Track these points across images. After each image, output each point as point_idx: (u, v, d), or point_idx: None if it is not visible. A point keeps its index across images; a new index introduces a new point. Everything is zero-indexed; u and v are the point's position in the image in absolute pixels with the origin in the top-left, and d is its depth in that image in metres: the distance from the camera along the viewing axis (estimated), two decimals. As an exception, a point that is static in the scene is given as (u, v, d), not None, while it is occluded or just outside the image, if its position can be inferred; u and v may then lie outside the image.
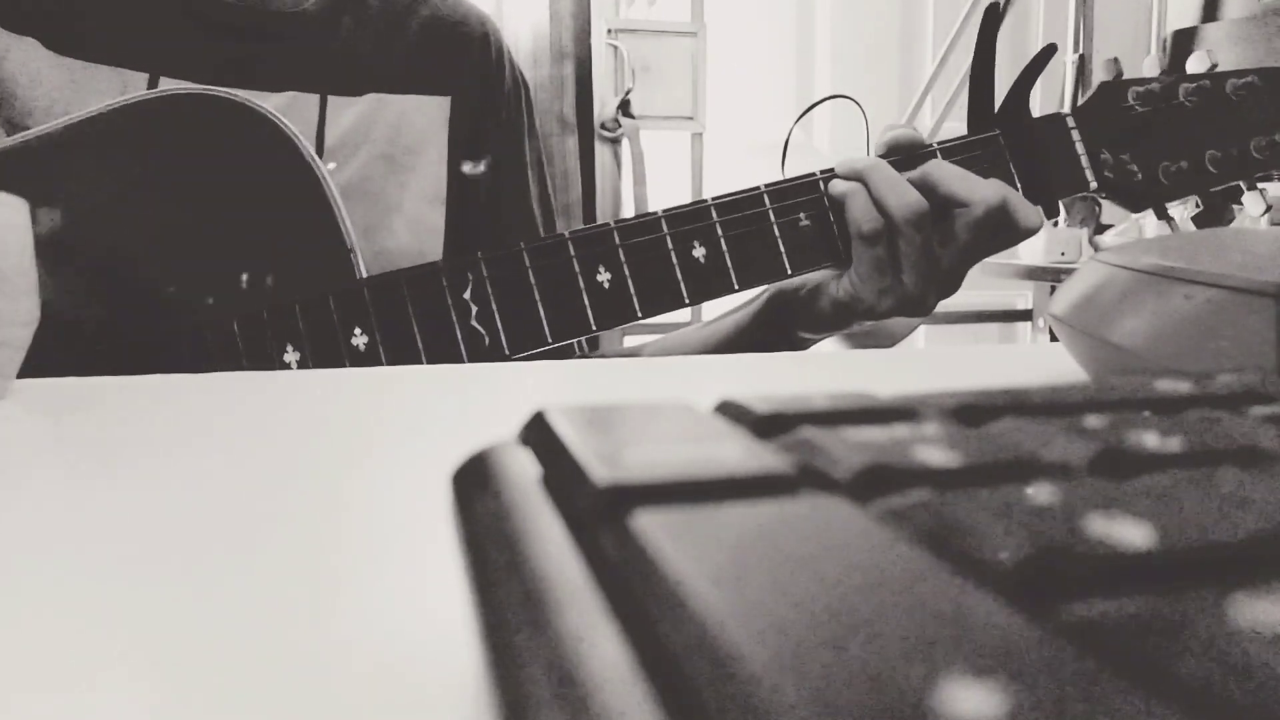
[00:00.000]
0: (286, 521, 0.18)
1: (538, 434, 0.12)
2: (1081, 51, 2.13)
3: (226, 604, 0.14)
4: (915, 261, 0.52)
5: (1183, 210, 0.59)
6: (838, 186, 0.53)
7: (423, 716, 0.11)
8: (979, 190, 0.51)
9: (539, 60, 1.64)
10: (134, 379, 0.34)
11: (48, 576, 0.15)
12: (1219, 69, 0.57)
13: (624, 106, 1.68)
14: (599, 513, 0.09)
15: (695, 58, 1.73)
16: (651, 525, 0.09)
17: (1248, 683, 0.06)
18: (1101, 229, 1.80)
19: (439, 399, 0.31)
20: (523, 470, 0.12)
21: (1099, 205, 1.84)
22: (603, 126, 1.69)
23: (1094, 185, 0.56)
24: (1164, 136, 0.56)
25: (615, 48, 1.68)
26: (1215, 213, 0.58)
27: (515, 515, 0.10)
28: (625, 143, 1.70)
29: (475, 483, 0.12)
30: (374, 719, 0.11)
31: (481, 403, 0.31)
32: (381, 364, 0.50)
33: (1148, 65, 0.59)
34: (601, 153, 1.70)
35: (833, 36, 2.43)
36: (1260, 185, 0.57)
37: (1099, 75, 0.58)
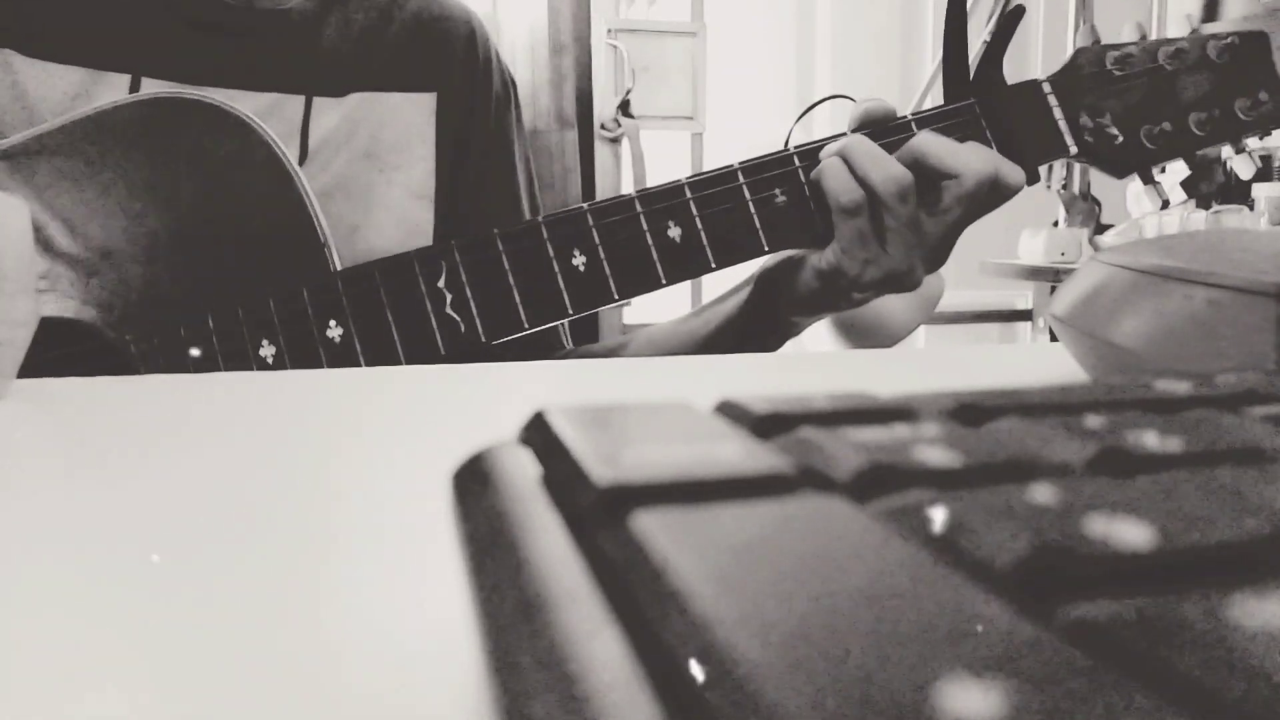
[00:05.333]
0: (286, 521, 0.18)
1: (538, 434, 0.12)
2: (1081, 51, 2.13)
3: (226, 603, 0.14)
4: (900, 233, 0.52)
5: (1169, 176, 0.58)
6: (822, 161, 0.53)
7: (423, 716, 0.11)
8: (968, 161, 0.51)
9: (536, 58, 1.64)
10: (134, 379, 0.34)
11: (48, 576, 0.15)
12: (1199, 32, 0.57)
13: (624, 106, 1.68)
14: (599, 513, 0.09)
15: (695, 58, 1.73)
16: (651, 525, 0.09)
17: (1248, 683, 0.06)
18: (1101, 229, 1.80)
19: (439, 399, 0.31)
20: (523, 470, 0.12)
21: (1099, 205, 1.84)
22: (603, 126, 1.69)
23: (1074, 150, 0.56)
24: (1145, 99, 0.55)
25: (615, 48, 1.68)
26: (1204, 173, 0.57)
27: (515, 515, 0.10)
28: (625, 142, 1.70)
29: (475, 483, 0.12)
30: (374, 718, 0.11)
31: (481, 403, 0.31)
32: (357, 355, 0.50)
33: (1127, 32, 0.59)
34: (601, 152, 1.70)
35: (833, 36, 2.43)
36: (1249, 149, 0.56)
37: (1082, 45, 0.58)
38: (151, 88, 0.58)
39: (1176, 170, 0.57)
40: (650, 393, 0.31)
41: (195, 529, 0.17)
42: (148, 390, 0.32)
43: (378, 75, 0.65)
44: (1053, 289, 1.85)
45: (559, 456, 0.11)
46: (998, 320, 2.37)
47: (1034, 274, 1.78)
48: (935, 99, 2.25)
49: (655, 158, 1.72)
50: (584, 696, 0.07)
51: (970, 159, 0.51)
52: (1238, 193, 1.54)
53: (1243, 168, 0.58)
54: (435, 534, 0.16)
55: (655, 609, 0.07)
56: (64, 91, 0.57)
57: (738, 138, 2.15)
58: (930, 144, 0.52)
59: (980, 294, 2.23)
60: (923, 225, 0.52)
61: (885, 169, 0.51)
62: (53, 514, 0.19)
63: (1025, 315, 2.31)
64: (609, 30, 1.68)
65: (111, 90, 0.58)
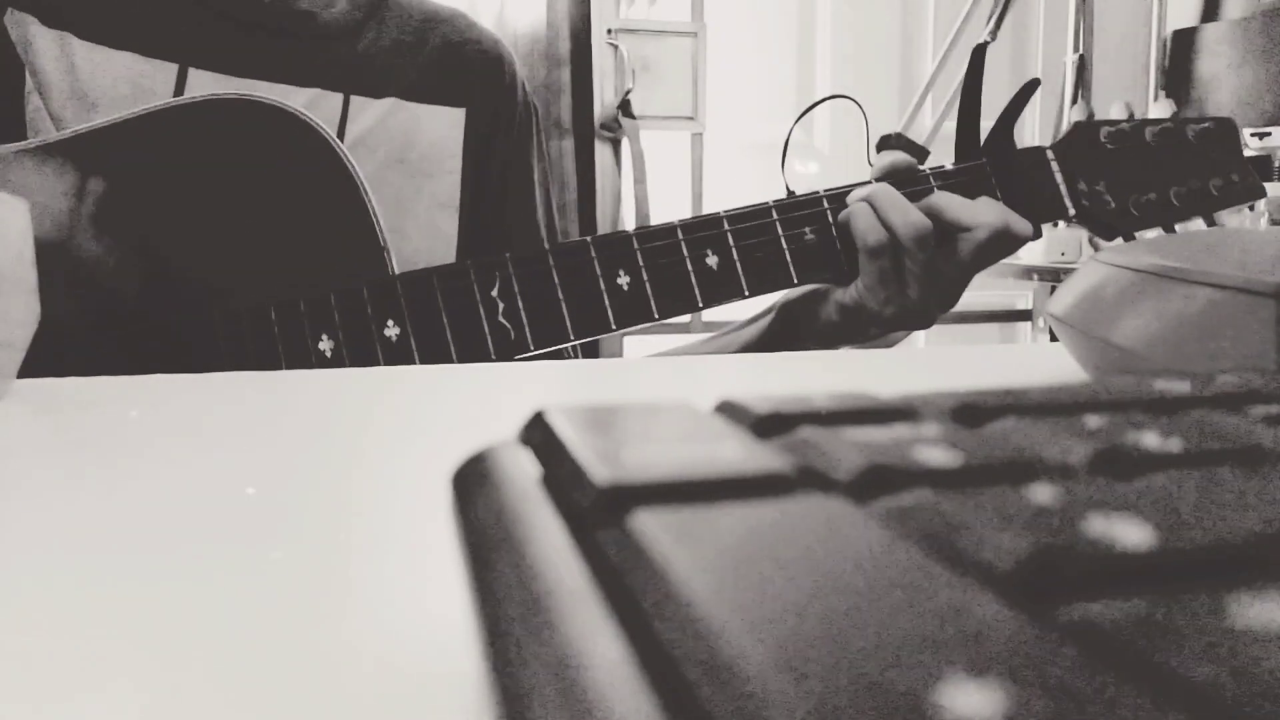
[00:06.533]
0: (286, 521, 0.18)
1: (538, 434, 0.12)
2: (1081, 51, 2.13)
3: (226, 604, 0.14)
4: (919, 276, 0.56)
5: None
6: (851, 204, 0.58)
7: (423, 716, 0.11)
8: (982, 215, 0.56)
9: (535, 63, 1.65)
10: (134, 379, 0.34)
11: (48, 576, 0.15)
12: (1179, 115, 0.63)
13: (624, 106, 1.68)
14: (599, 513, 0.09)
15: (695, 58, 1.73)
16: (651, 525, 0.09)
17: (1248, 683, 0.06)
18: (1101, 229, 1.80)
19: (439, 399, 0.31)
20: (523, 470, 0.12)
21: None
22: (603, 126, 1.69)
23: (1072, 212, 0.61)
24: (1134, 171, 0.61)
25: (615, 48, 1.68)
26: None
27: (515, 515, 0.10)
28: (625, 143, 1.70)
29: (475, 483, 0.12)
30: (374, 719, 0.11)
31: (481, 403, 0.31)
32: (413, 355, 0.53)
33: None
34: (601, 153, 1.70)
35: (833, 36, 2.43)
36: (1219, 224, 0.63)
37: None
38: (199, 78, 0.60)
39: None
40: (650, 393, 0.31)
41: (195, 529, 0.17)
42: (148, 390, 0.32)
43: (411, 88, 0.68)
44: (1053, 289, 1.85)
45: (559, 456, 0.11)
46: (998, 320, 2.37)
47: (1034, 274, 1.78)
48: (936, 101, 2.24)
49: (655, 158, 1.72)
50: (584, 696, 0.07)
51: (983, 213, 0.56)
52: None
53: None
54: (435, 534, 0.16)
55: (655, 609, 0.07)
56: (115, 76, 0.59)
57: (738, 138, 2.15)
58: (946, 202, 0.57)
59: (980, 294, 2.22)
60: (939, 270, 0.57)
61: (907, 216, 0.56)
62: (52, 514, 0.19)
63: (1025, 315, 2.31)
64: (609, 30, 1.68)
65: (161, 78, 0.59)
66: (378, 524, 0.18)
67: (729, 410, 0.13)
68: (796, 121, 0.68)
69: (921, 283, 0.56)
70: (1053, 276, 1.72)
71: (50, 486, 0.21)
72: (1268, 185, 1.53)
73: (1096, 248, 1.72)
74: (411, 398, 0.31)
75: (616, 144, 1.71)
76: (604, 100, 1.68)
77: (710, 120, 1.77)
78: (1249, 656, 0.06)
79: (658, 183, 1.69)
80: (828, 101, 0.71)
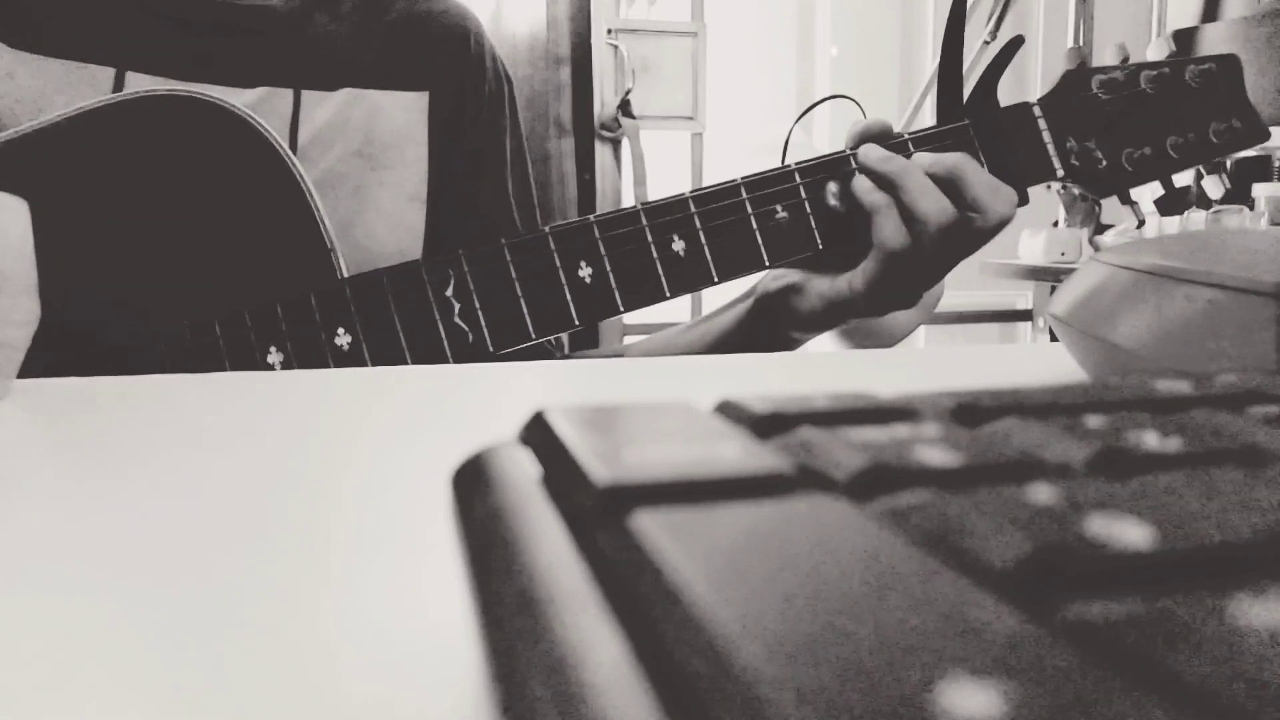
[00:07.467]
0: (286, 521, 0.18)
1: (538, 434, 0.12)
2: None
3: (226, 604, 0.14)
4: (924, 264, 0.53)
5: (1146, 194, 0.60)
6: (869, 195, 0.53)
7: (423, 716, 0.11)
8: (998, 204, 0.52)
9: (535, 63, 1.65)
10: (134, 379, 0.34)
11: (47, 577, 0.15)
12: (1178, 56, 0.59)
13: (624, 106, 1.68)
14: (599, 513, 0.09)
15: (695, 58, 1.73)
16: (651, 525, 0.09)
17: (1248, 683, 0.06)
18: (1101, 229, 1.80)
19: (439, 399, 0.31)
20: (523, 470, 0.12)
21: (1099, 205, 1.84)
22: (603, 126, 1.69)
23: (1060, 173, 0.57)
24: (1127, 124, 0.57)
25: (615, 48, 1.68)
26: (1177, 196, 0.59)
27: (515, 515, 0.10)
28: (625, 143, 1.70)
29: (475, 483, 0.12)
30: (374, 719, 0.11)
31: (481, 403, 0.31)
32: (365, 363, 0.50)
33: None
34: (601, 153, 1.70)
35: (833, 36, 2.43)
36: (1225, 171, 0.59)
37: (1070, 68, 0.59)
38: (136, 82, 0.57)
39: (1152, 188, 0.60)
40: (650, 393, 0.31)
41: (194, 529, 0.17)
42: (148, 390, 0.32)
43: (368, 72, 0.63)
44: (1053, 289, 1.85)
45: (559, 456, 0.11)
46: (998, 320, 2.37)
47: (1034, 274, 1.78)
48: (935, 100, 2.23)
49: (655, 158, 1.72)
50: (584, 696, 0.07)
51: (1000, 202, 0.52)
52: (1238, 193, 1.54)
53: (1213, 189, 0.61)
54: (435, 534, 0.16)
55: (655, 609, 0.07)
56: (48, 84, 0.56)
57: (738, 138, 2.15)
58: (975, 175, 0.52)
59: (980, 294, 2.23)
60: (941, 253, 0.53)
61: (938, 202, 0.51)
62: (52, 514, 0.19)
63: (1025, 315, 2.31)
64: (609, 30, 1.68)
65: (96, 84, 0.56)
66: (378, 524, 0.18)
67: (729, 410, 0.13)
68: (796, 121, 0.68)
69: (922, 270, 0.53)
70: (1053, 276, 1.72)
71: (50, 486, 0.21)
72: (1267, 185, 1.54)
73: (1097, 247, 1.72)
74: (411, 397, 0.31)
75: (616, 144, 1.71)
76: (604, 100, 1.68)
77: (710, 120, 1.78)
78: (1249, 656, 0.06)
79: (658, 183, 1.69)
80: (828, 101, 0.70)
